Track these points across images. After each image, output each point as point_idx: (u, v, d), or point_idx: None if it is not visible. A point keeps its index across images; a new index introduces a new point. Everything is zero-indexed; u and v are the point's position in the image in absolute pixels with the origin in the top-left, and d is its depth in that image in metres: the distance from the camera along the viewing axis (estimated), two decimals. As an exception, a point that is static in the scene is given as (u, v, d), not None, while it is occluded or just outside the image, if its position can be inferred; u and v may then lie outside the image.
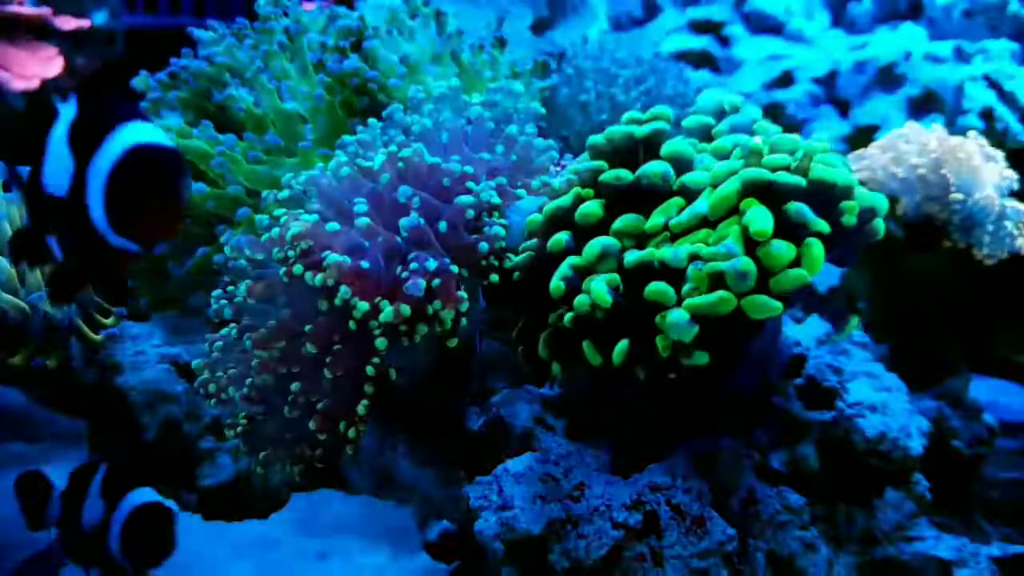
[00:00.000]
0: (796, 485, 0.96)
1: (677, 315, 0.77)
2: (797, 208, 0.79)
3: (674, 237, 0.83)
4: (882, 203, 0.85)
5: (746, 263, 0.76)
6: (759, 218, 0.77)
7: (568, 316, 0.84)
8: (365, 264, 0.87)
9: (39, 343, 1.04)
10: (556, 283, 0.85)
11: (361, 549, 1.41)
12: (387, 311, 0.85)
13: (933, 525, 1.06)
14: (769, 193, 0.80)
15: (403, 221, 0.89)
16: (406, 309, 0.86)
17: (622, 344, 0.81)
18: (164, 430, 1.12)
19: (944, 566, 1.00)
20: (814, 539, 0.93)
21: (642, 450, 0.91)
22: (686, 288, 0.79)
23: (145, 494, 0.93)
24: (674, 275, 0.80)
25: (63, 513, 1.00)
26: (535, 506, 0.84)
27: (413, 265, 0.87)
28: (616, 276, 0.83)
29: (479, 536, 0.84)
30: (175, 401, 1.12)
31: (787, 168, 0.81)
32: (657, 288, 0.79)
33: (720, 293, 0.76)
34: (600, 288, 0.81)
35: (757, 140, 0.84)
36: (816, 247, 0.78)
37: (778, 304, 0.77)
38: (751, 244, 0.78)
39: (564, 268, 0.86)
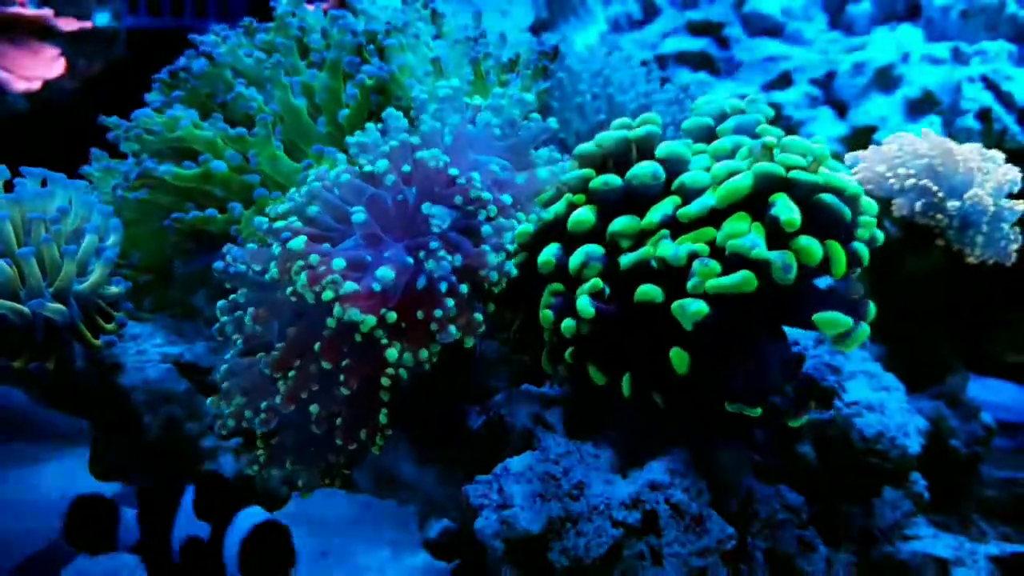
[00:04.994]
0: (794, 484, 0.97)
1: (697, 305, 0.79)
2: (832, 200, 0.80)
3: (681, 228, 0.84)
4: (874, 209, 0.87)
5: (791, 256, 0.78)
6: (788, 209, 0.79)
7: (569, 351, 0.87)
8: (377, 287, 0.87)
9: (40, 346, 1.05)
10: (544, 312, 0.89)
11: (362, 548, 1.41)
12: (407, 356, 0.87)
13: (931, 524, 1.07)
14: (786, 188, 0.81)
15: (430, 264, 0.89)
16: (424, 353, 0.87)
17: (627, 377, 0.84)
18: (166, 429, 1.12)
19: (942, 565, 1.01)
20: (812, 538, 0.94)
21: (641, 449, 0.92)
22: (691, 283, 0.79)
23: (257, 514, 0.94)
24: (672, 274, 0.81)
25: (145, 536, 0.99)
26: (535, 505, 0.84)
27: (437, 312, 0.88)
28: (599, 282, 0.85)
29: (479, 534, 0.85)
30: (177, 401, 1.13)
31: (802, 168, 0.82)
32: (645, 291, 0.81)
33: (744, 273, 0.78)
34: (583, 303, 0.84)
35: (769, 139, 0.85)
36: (839, 249, 0.80)
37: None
38: (774, 238, 0.79)
39: (547, 297, 0.89)
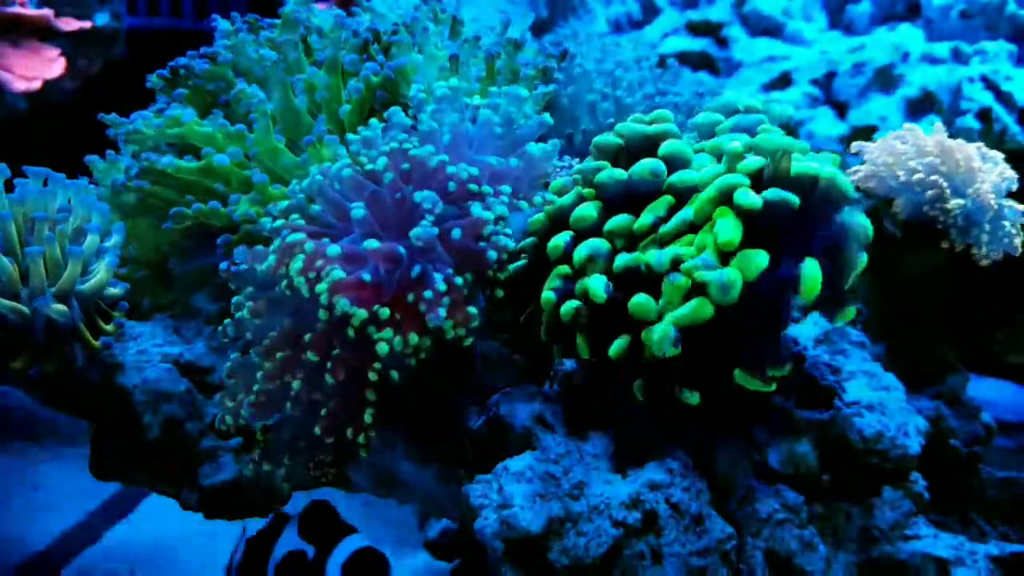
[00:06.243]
0: (794, 484, 0.97)
1: (662, 329, 0.79)
2: (779, 197, 0.79)
3: (663, 244, 0.85)
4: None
5: (731, 274, 0.77)
6: (725, 229, 0.78)
7: (566, 306, 0.86)
8: (366, 276, 0.87)
9: (40, 347, 1.05)
10: (547, 294, 0.88)
11: (362, 547, 1.42)
12: (397, 341, 0.87)
13: (931, 524, 1.06)
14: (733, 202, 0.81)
15: (416, 231, 0.89)
16: (415, 338, 0.87)
17: (621, 341, 0.83)
18: (166, 429, 1.12)
19: (942, 564, 1.01)
20: (812, 537, 0.94)
21: (641, 449, 0.92)
22: (662, 302, 0.80)
23: (357, 540, 0.97)
24: (659, 280, 0.81)
25: (245, 558, 1.06)
26: (535, 504, 0.85)
27: (427, 293, 0.87)
28: (603, 278, 0.85)
29: (479, 534, 0.85)
30: (177, 401, 1.13)
31: (760, 171, 0.82)
32: (640, 302, 0.81)
33: (698, 300, 0.78)
34: (597, 284, 0.83)
35: (735, 144, 0.85)
36: (812, 266, 0.79)
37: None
38: (724, 255, 0.79)
39: (553, 279, 0.89)
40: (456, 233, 0.90)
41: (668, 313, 0.79)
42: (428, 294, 0.87)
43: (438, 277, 0.88)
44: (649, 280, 0.82)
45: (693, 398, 0.83)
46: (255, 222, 1.09)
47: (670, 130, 0.92)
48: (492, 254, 0.91)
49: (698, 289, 0.79)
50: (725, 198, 0.81)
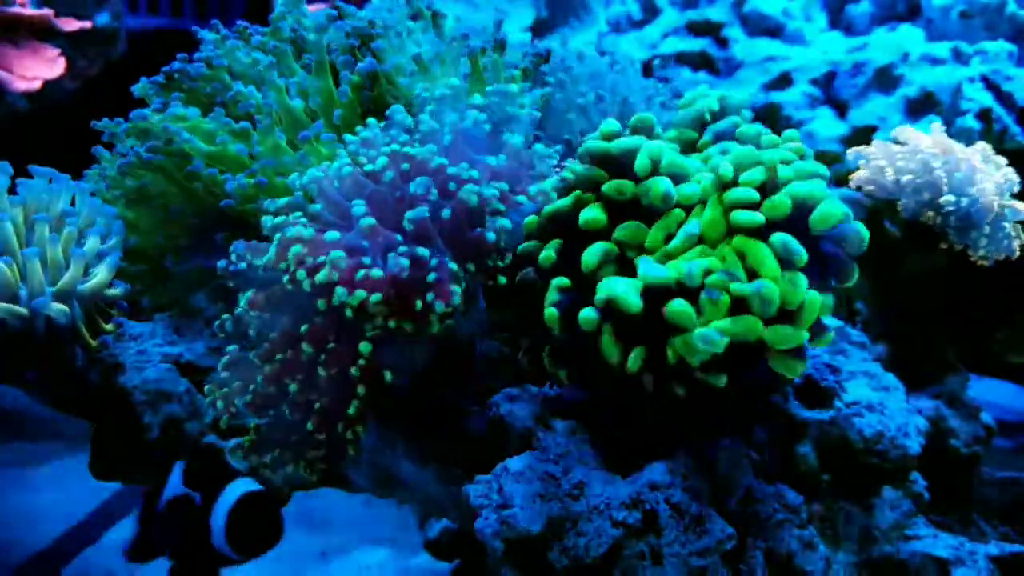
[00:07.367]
0: (794, 484, 0.97)
1: (705, 332, 0.76)
2: (783, 241, 0.79)
3: (670, 259, 0.83)
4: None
5: (771, 288, 0.76)
6: (769, 266, 0.77)
7: (585, 314, 0.82)
8: (366, 261, 0.87)
9: (40, 347, 1.05)
10: (549, 311, 0.85)
11: (362, 547, 1.42)
12: (359, 293, 0.86)
13: (931, 524, 1.06)
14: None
15: (409, 213, 0.89)
16: (377, 296, 0.86)
17: (637, 351, 0.81)
18: (166, 429, 1.12)
19: (942, 564, 1.01)
20: (812, 537, 0.94)
21: (641, 449, 0.92)
22: (700, 320, 0.78)
23: (245, 484, 0.94)
24: (687, 294, 0.80)
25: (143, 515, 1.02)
26: (535, 504, 0.85)
27: (401, 249, 0.88)
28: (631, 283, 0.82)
29: (479, 534, 0.85)
30: (177, 400, 1.13)
31: (758, 194, 0.81)
32: (678, 308, 0.77)
33: (746, 319, 0.77)
34: (625, 292, 0.79)
35: (724, 167, 0.83)
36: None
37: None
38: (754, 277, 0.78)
39: (552, 293, 0.86)
40: (446, 212, 0.89)
41: (716, 327, 0.77)
42: (402, 249, 0.87)
43: (426, 252, 0.88)
44: (675, 294, 0.80)
45: (720, 380, 0.80)
46: (255, 200, 1.09)
47: (638, 144, 0.88)
48: (491, 236, 0.90)
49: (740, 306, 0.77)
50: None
